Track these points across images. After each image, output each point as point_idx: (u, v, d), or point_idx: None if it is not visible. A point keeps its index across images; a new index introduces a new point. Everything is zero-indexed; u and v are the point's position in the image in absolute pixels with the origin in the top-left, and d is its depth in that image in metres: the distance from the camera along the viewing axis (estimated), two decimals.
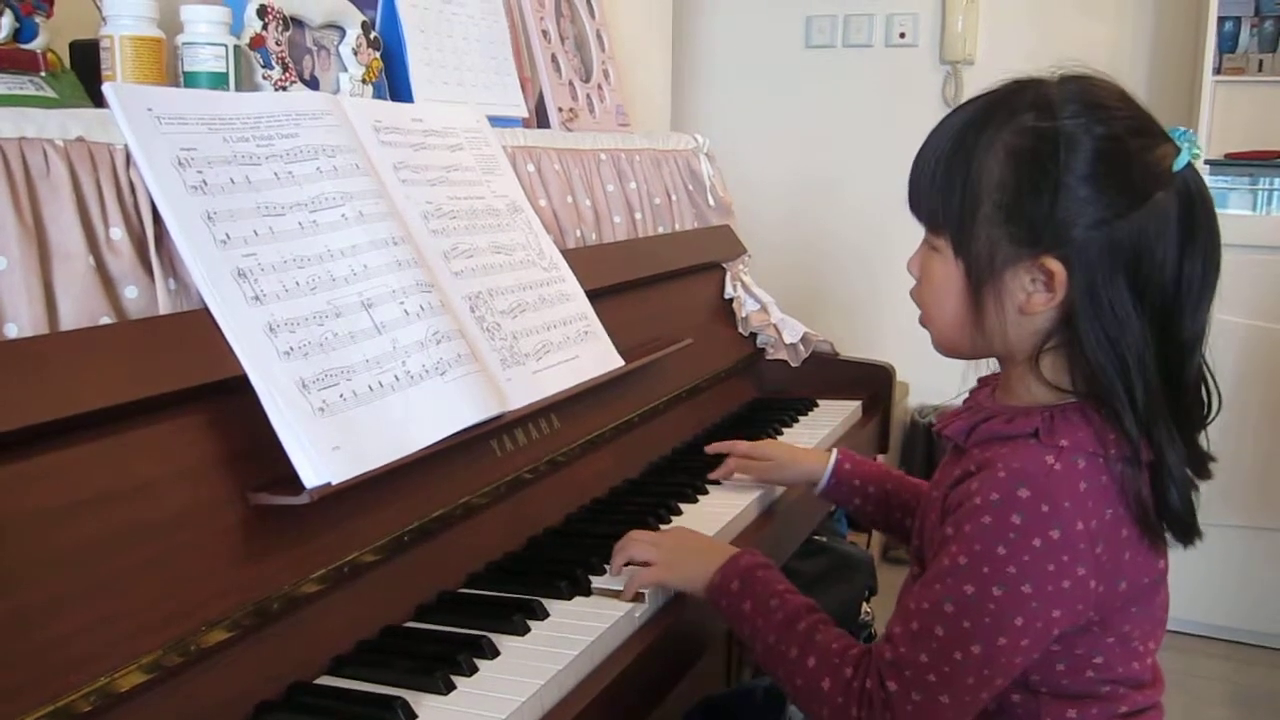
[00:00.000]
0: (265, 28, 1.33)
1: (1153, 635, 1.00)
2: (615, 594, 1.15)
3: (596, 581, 1.18)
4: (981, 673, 0.90)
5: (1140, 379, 0.91)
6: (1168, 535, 0.96)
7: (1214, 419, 0.98)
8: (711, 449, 1.55)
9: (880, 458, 2.68)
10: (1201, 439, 0.98)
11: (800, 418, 1.94)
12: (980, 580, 0.90)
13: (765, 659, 1.03)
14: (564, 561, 1.22)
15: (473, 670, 0.98)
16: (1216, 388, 0.98)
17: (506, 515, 1.29)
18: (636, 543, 1.18)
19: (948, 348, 1.03)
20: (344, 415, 1.04)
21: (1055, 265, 0.92)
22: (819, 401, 2.04)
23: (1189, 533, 0.96)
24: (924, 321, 1.04)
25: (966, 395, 1.10)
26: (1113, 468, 0.93)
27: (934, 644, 0.91)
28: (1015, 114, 0.94)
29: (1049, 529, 0.89)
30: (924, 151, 1.00)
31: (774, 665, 1.02)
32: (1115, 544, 0.93)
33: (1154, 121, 0.95)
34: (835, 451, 1.41)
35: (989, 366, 1.07)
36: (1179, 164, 0.92)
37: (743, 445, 1.52)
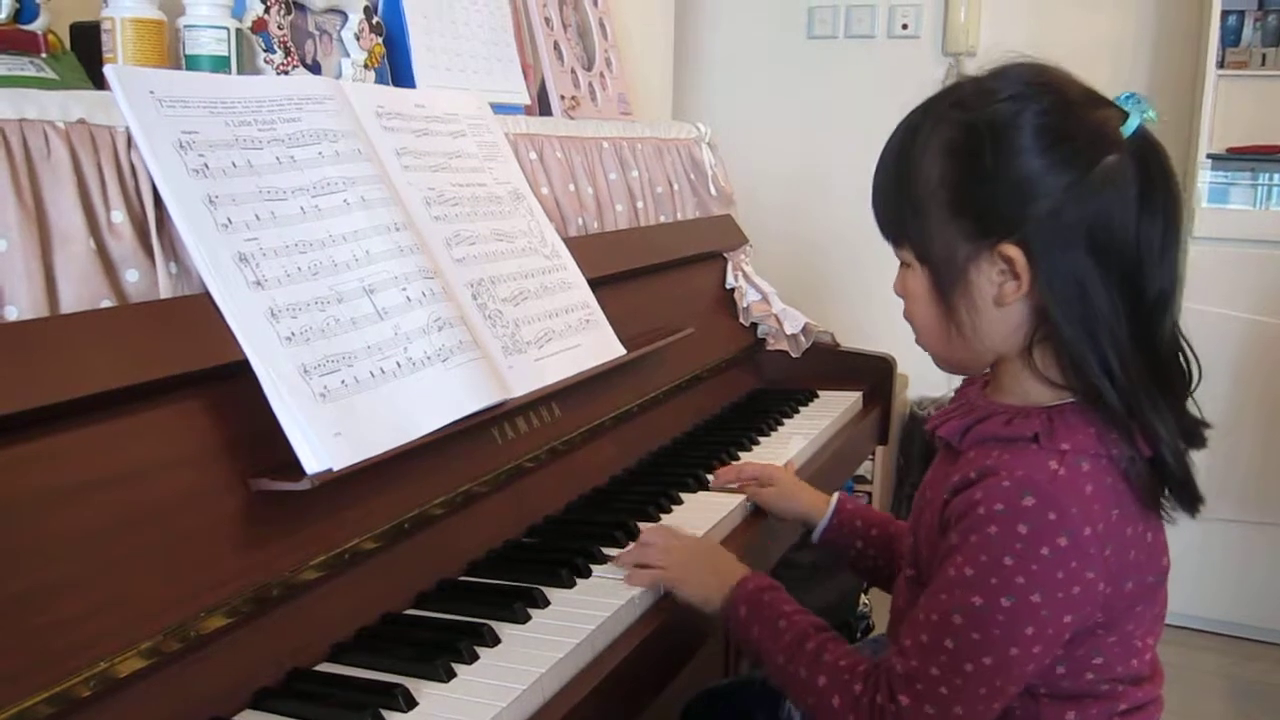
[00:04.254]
0: (267, 11, 1.32)
1: (1152, 631, 0.99)
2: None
3: (598, 570, 1.18)
4: (994, 683, 0.90)
5: (1114, 348, 0.90)
6: (1174, 509, 0.96)
7: (1197, 387, 0.96)
8: (718, 479, 1.49)
9: (879, 449, 2.68)
10: (1191, 408, 0.96)
11: (801, 408, 1.93)
12: (988, 591, 0.89)
13: (777, 677, 1.03)
14: (565, 550, 1.22)
15: (473, 658, 0.98)
16: (1194, 355, 0.96)
17: (507, 503, 1.29)
18: (651, 549, 1.17)
19: (947, 362, 1.02)
20: (345, 401, 1.04)
21: (1013, 250, 0.91)
22: (819, 392, 2.04)
23: (1193, 501, 0.95)
24: (919, 342, 1.03)
25: (953, 393, 1.09)
26: (1117, 465, 0.92)
27: (944, 656, 0.90)
28: (943, 114, 0.95)
29: (1057, 537, 0.88)
30: (875, 172, 1.01)
31: (785, 684, 1.02)
32: (1121, 544, 0.92)
33: (1092, 91, 0.94)
34: (837, 494, 1.37)
35: None
36: (1129, 128, 0.90)
37: (750, 469, 1.48)
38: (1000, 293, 0.93)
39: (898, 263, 1.05)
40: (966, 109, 0.93)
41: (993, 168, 0.90)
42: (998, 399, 1.00)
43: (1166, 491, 0.95)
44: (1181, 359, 0.96)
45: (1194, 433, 0.95)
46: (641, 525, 1.29)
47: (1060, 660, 0.94)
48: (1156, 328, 0.92)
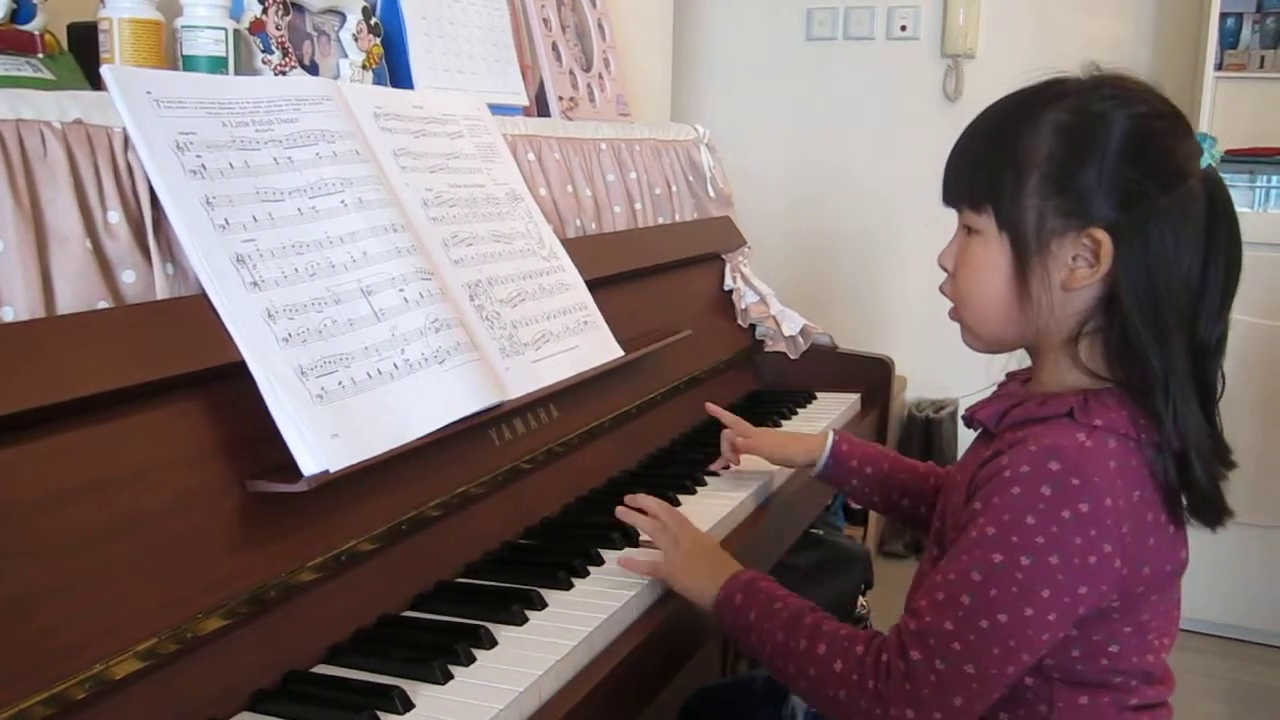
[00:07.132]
0: (265, 12, 1.32)
1: (1168, 631, 1.01)
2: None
3: (596, 572, 1.18)
4: (1007, 644, 0.90)
5: (1174, 354, 0.93)
6: (1196, 522, 0.98)
7: (1220, 397, 1.00)
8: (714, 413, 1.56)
9: None
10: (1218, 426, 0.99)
11: (799, 410, 1.93)
12: (1009, 549, 0.90)
13: (775, 658, 1.02)
14: (562, 552, 1.22)
15: (470, 660, 0.98)
16: (1222, 374, 1.00)
17: (505, 505, 1.29)
18: (664, 532, 1.18)
19: (986, 335, 1.04)
20: (343, 403, 1.04)
21: (1102, 235, 0.93)
22: (817, 394, 2.04)
23: (1218, 514, 0.99)
24: (957, 314, 1.05)
25: (996, 387, 1.10)
26: (1144, 451, 0.94)
27: (960, 612, 0.91)
28: (1058, 97, 0.97)
29: (1078, 502, 0.89)
30: (964, 137, 1.03)
31: (784, 662, 1.01)
32: (1141, 527, 0.93)
33: (1184, 116, 0.98)
34: (832, 433, 1.41)
35: (1016, 361, 1.08)
36: (1203, 161, 0.96)
37: (744, 426, 1.52)
38: (1071, 276, 0.96)
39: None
40: (1080, 98, 0.96)
41: (1101, 154, 0.94)
42: (1037, 390, 1.02)
43: (1187, 499, 0.97)
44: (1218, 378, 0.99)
45: (1224, 454, 0.99)
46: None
47: (1076, 643, 0.95)
48: (1208, 365, 0.97)
